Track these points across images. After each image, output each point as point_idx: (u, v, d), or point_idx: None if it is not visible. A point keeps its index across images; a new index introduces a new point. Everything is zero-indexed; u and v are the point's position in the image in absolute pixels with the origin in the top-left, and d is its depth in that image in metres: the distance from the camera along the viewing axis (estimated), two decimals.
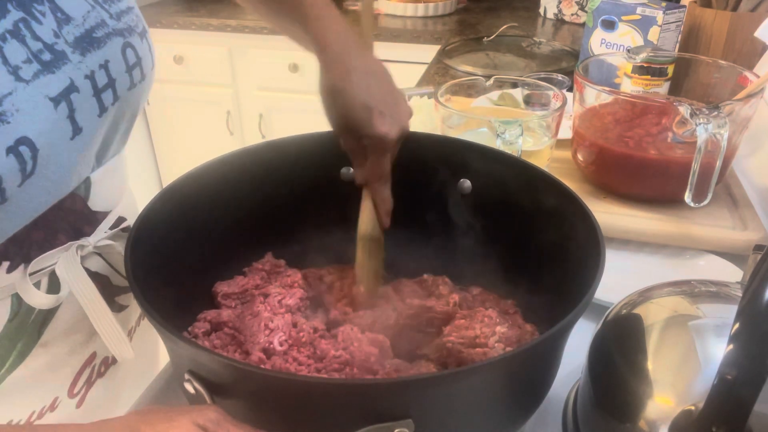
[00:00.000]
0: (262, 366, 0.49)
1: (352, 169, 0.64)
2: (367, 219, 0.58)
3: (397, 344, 0.53)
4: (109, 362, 0.62)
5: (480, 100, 0.89)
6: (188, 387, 0.41)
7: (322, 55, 0.56)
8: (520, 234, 0.60)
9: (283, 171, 0.61)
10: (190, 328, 0.55)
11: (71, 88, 0.46)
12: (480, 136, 0.72)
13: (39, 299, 0.52)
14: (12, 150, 0.41)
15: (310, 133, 0.63)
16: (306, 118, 1.10)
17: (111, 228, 0.58)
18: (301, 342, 0.51)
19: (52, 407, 0.57)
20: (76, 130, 0.47)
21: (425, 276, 0.61)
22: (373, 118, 0.52)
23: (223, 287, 0.59)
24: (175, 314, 0.49)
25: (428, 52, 1.63)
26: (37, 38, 0.44)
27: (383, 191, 0.57)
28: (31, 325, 0.53)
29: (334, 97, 0.54)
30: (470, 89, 0.87)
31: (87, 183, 0.53)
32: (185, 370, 0.41)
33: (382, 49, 1.86)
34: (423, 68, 1.48)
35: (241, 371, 0.38)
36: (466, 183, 0.63)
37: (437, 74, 1.40)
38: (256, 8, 0.67)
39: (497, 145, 0.68)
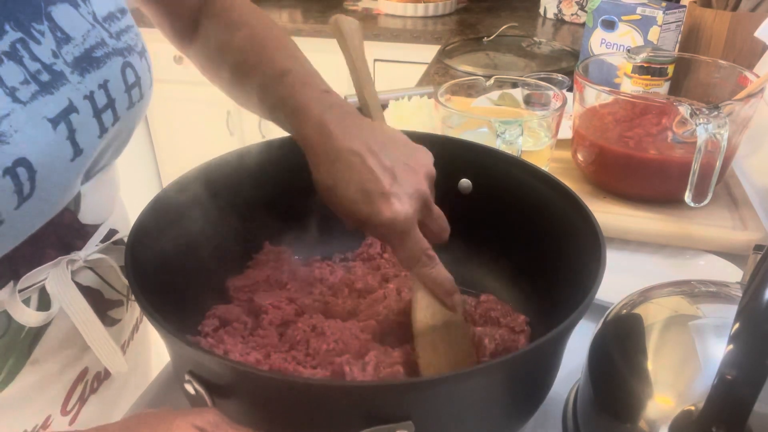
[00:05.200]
0: (259, 364, 0.50)
1: None
2: (420, 309, 0.48)
3: (386, 340, 0.54)
4: (102, 377, 0.61)
5: (480, 100, 0.89)
6: (188, 388, 0.41)
7: (302, 133, 0.49)
8: (520, 234, 0.60)
9: (283, 170, 0.61)
10: (200, 327, 0.55)
11: (70, 109, 0.45)
12: (480, 136, 0.72)
13: (29, 317, 0.51)
14: (9, 171, 0.41)
15: None
16: None
17: (102, 241, 0.56)
18: (296, 341, 0.51)
19: (45, 426, 0.56)
20: (77, 151, 0.47)
21: None
22: (374, 205, 0.45)
23: (234, 282, 0.59)
24: (177, 314, 0.49)
25: (428, 52, 1.63)
26: (35, 59, 0.44)
27: (430, 273, 0.48)
28: (21, 343, 0.52)
29: (328, 195, 0.47)
30: (470, 89, 0.87)
31: (77, 196, 0.52)
32: (185, 371, 0.41)
33: (382, 49, 1.87)
34: (423, 68, 1.48)
35: (241, 372, 0.39)
36: (466, 183, 0.63)
37: (437, 74, 1.40)
38: (220, 80, 0.61)
39: (497, 145, 0.68)
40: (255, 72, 0.54)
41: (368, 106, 0.54)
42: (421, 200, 0.47)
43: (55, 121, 0.44)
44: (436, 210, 0.49)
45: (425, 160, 0.49)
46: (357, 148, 0.46)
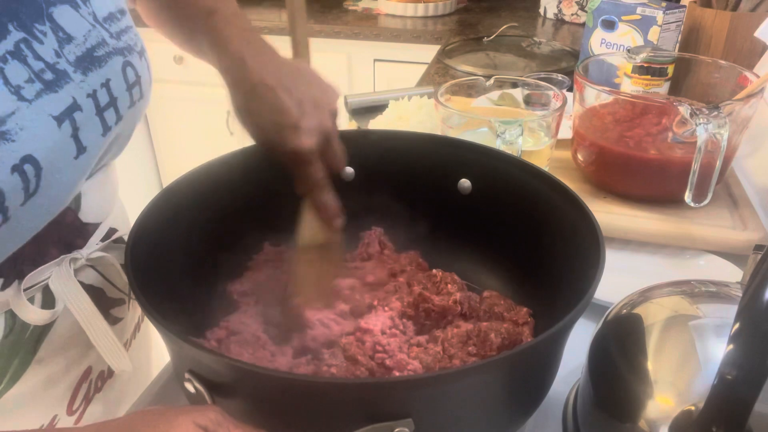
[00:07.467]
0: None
1: (351, 169, 0.64)
2: (306, 228, 0.56)
3: None
4: (105, 376, 0.62)
5: (480, 100, 0.89)
6: (188, 387, 0.41)
7: (222, 65, 0.54)
8: (520, 234, 0.60)
9: (281, 170, 0.61)
10: (209, 333, 0.54)
11: (74, 107, 0.46)
12: (480, 136, 0.72)
13: (34, 315, 0.51)
14: (17, 168, 0.41)
15: None
16: None
17: (102, 240, 0.57)
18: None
19: (51, 425, 0.56)
20: (81, 149, 0.47)
21: (434, 271, 0.61)
22: (283, 134, 0.50)
23: (236, 286, 0.59)
24: (178, 315, 0.49)
25: (428, 52, 1.63)
26: (38, 58, 0.44)
27: (321, 198, 0.54)
28: (26, 342, 0.52)
29: (243, 118, 0.53)
30: (470, 89, 0.87)
31: (77, 195, 0.53)
32: (186, 370, 0.41)
33: (382, 49, 1.87)
34: (423, 68, 1.48)
35: (241, 371, 0.38)
36: (466, 183, 0.63)
37: (437, 74, 1.40)
38: (161, 24, 0.66)
39: (497, 145, 0.68)
40: (186, 9, 0.61)
41: (297, 43, 0.59)
42: (323, 134, 0.52)
43: (59, 119, 0.45)
44: (336, 144, 0.55)
45: (332, 97, 0.55)
46: (270, 82, 0.51)
